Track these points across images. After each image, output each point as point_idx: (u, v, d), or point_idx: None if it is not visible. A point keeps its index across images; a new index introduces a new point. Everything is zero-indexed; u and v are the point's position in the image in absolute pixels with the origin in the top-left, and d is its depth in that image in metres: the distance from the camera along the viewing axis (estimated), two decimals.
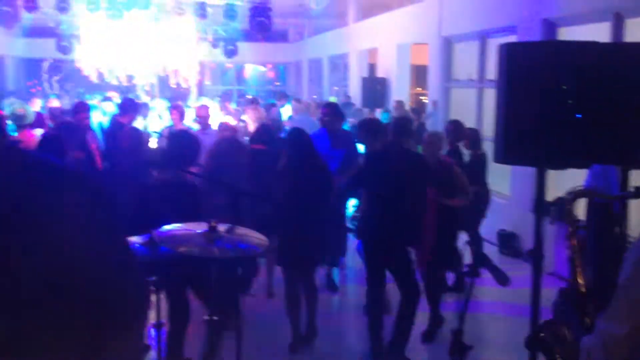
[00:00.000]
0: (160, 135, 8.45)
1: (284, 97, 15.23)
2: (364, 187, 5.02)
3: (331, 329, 5.55)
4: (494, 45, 9.15)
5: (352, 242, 6.28)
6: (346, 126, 8.46)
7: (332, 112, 6.74)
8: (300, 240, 4.81)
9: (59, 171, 1.35)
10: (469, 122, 8.04)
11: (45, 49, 20.47)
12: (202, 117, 7.79)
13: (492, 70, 9.26)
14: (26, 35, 20.53)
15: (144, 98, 14.49)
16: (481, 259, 2.74)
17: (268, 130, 6.73)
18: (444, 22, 11.12)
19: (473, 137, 6.87)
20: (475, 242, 6.66)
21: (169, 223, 2.98)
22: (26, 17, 14.66)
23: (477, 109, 9.87)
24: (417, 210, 4.78)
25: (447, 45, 11.31)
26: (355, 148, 6.78)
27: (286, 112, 13.49)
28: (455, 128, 6.57)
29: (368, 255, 4.85)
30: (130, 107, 7.91)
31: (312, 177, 4.91)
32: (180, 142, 4.21)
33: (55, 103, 11.51)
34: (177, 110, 8.54)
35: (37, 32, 20.25)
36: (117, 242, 0.70)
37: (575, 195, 2.24)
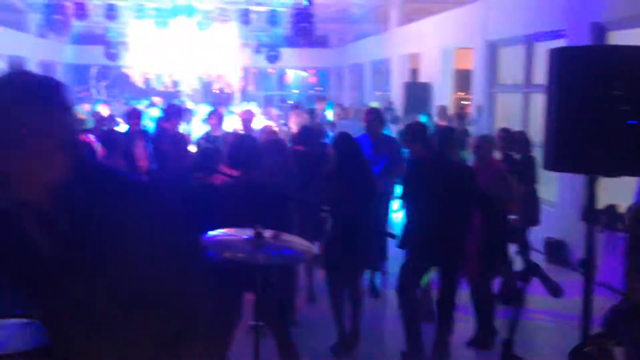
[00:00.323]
0: (200, 140, 8.58)
1: (322, 100, 15.27)
2: (407, 197, 4.97)
3: (373, 334, 5.53)
4: (540, 49, 9.00)
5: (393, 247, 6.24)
6: (387, 131, 8.45)
7: (375, 117, 6.74)
8: (347, 244, 4.80)
9: (130, 183, 1.43)
10: (515, 128, 7.92)
11: (94, 55, 21.06)
12: (246, 122, 7.89)
13: (539, 75, 9.10)
14: (75, 42, 21.12)
15: (187, 104, 14.72)
16: (532, 268, 2.68)
17: (309, 133, 6.77)
18: (489, 26, 10.96)
19: (522, 140, 6.80)
20: (525, 250, 6.55)
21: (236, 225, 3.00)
22: (75, 24, 15.09)
23: (523, 114, 9.70)
24: (462, 222, 4.71)
25: (492, 49, 11.15)
26: (398, 153, 6.77)
27: (327, 116, 13.52)
28: (507, 136, 6.53)
29: (410, 264, 4.80)
30: (174, 112, 8.05)
31: (359, 181, 4.92)
32: (244, 145, 4.17)
33: (102, 109, 11.80)
34: (215, 115, 8.66)
35: (85, 39, 20.82)
36: (188, 247, 0.72)
37: (637, 211, 2.18)
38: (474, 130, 11.10)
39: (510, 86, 10.83)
